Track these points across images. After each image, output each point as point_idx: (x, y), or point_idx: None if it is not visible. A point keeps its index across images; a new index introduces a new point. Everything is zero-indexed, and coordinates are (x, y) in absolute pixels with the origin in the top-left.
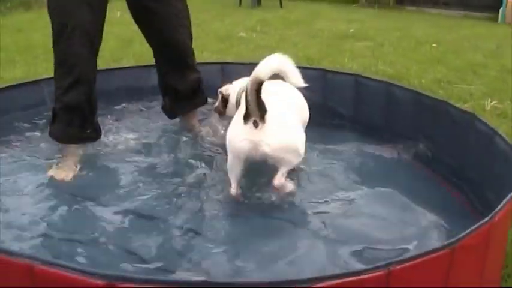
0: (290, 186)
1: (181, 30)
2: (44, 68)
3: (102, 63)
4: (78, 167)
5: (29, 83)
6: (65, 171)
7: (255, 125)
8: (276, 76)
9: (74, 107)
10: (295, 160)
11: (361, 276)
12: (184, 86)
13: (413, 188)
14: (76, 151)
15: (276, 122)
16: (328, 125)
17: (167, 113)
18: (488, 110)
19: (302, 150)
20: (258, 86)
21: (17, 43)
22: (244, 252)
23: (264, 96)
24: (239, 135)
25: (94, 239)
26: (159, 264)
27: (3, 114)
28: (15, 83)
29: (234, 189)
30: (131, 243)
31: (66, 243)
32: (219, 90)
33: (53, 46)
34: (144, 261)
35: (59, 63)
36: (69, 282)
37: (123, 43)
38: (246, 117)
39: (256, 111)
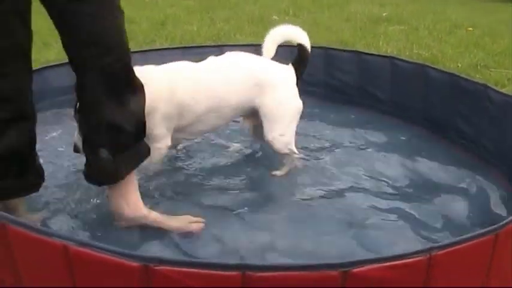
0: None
1: None
2: None
3: (135, 45)
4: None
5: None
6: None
7: None
8: None
9: (9, 154)
10: None
11: (403, 261)
12: None
13: (451, 170)
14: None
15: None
16: (364, 106)
17: None
18: None
19: None
20: None
21: (52, 27)
22: (278, 237)
23: None
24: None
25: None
26: (191, 248)
27: (41, 95)
28: (50, 64)
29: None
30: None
31: (99, 226)
32: None
33: None
34: (176, 245)
35: None
36: (104, 263)
37: (155, 25)
38: None
39: None
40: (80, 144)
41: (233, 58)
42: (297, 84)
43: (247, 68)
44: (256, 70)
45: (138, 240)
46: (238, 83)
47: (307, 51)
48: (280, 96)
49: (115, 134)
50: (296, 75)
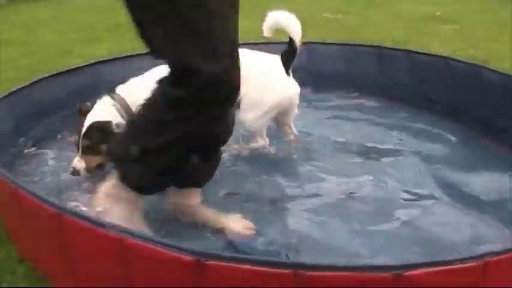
0: None
1: None
2: (130, 46)
3: None
4: None
5: (117, 59)
6: None
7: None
8: None
9: None
10: None
11: (457, 266)
12: None
13: (503, 174)
14: None
15: None
16: (415, 106)
17: None
18: None
19: None
20: None
21: (104, 21)
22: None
23: None
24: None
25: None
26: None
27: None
28: (101, 59)
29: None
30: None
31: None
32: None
33: None
34: (225, 240)
35: None
36: (157, 256)
37: None
38: None
39: None
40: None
41: None
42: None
43: None
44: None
45: (190, 235)
46: None
47: (296, 45)
48: (262, 85)
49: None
50: (284, 67)
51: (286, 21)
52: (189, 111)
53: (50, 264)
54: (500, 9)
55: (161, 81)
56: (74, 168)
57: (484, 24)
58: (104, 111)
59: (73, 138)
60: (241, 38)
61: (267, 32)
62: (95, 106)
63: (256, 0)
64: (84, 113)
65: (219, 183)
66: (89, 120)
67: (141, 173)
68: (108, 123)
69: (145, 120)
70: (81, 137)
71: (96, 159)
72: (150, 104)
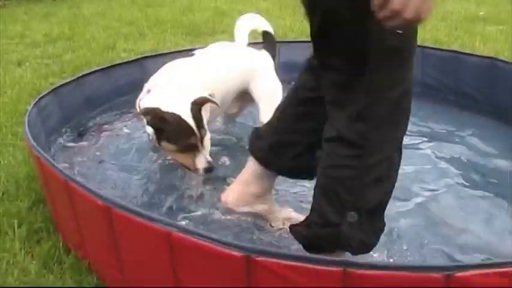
0: None
1: None
2: (173, 42)
3: (227, 37)
4: None
5: (162, 54)
6: None
7: None
8: None
9: None
10: None
11: (508, 268)
12: None
13: None
14: None
15: None
16: (460, 106)
17: None
18: None
19: None
20: None
21: (147, 17)
22: None
23: None
24: None
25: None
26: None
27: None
28: (147, 55)
29: None
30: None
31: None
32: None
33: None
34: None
35: None
36: (206, 251)
37: None
38: None
39: None
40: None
41: (221, 50)
42: None
43: (237, 57)
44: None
45: (236, 232)
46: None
47: (273, 35)
48: (271, 80)
49: None
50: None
51: (256, 21)
52: None
53: (97, 256)
54: None
55: None
56: (209, 163)
57: None
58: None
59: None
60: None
61: (242, 41)
62: None
63: (298, 1)
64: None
65: None
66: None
67: None
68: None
69: None
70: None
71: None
72: None
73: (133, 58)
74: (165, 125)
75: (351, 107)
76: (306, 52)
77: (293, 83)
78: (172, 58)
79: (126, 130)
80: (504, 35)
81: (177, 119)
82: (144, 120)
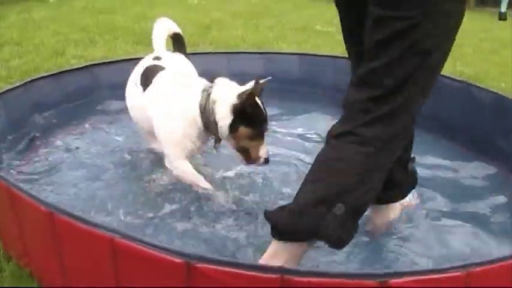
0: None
1: None
2: (124, 50)
3: None
4: None
5: (113, 62)
6: None
7: None
8: None
9: None
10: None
11: (440, 275)
12: None
13: (490, 187)
14: None
15: None
16: None
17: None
18: None
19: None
20: None
21: (98, 24)
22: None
23: None
24: None
25: (161, 220)
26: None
27: (88, 92)
28: (97, 62)
29: None
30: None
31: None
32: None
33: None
34: (218, 245)
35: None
36: (148, 257)
37: (200, 29)
38: None
39: None
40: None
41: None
42: None
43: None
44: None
45: (182, 238)
46: None
47: (182, 36)
48: None
49: None
50: None
51: (169, 24)
52: None
53: (40, 263)
54: (497, 29)
55: None
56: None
57: (478, 42)
58: None
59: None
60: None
61: (161, 48)
62: None
63: (250, 12)
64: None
65: None
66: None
67: None
68: None
69: None
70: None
71: None
72: None
73: (83, 65)
74: (253, 109)
75: None
76: (256, 63)
77: None
78: (122, 67)
79: (73, 137)
80: None
81: (259, 106)
82: (222, 108)
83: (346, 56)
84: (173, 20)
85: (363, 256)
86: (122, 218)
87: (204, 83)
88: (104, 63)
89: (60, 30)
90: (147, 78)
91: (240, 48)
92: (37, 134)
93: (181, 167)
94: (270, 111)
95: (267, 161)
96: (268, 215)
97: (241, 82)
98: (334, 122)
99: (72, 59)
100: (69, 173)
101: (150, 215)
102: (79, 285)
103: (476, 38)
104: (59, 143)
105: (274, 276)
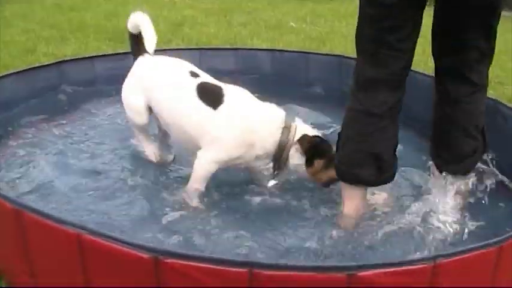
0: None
1: None
2: (95, 47)
3: None
4: None
5: (82, 59)
6: None
7: None
8: None
9: None
10: None
11: (408, 267)
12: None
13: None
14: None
15: None
16: None
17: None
18: None
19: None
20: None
21: (70, 22)
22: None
23: None
24: None
25: (138, 216)
26: (201, 245)
27: (54, 89)
28: (67, 59)
29: None
30: (173, 223)
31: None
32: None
33: None
34: (188, 240)
35: None
36: (115, 253)
37: (173, 26)
38: None
39: None
40: None
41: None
42: None
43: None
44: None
45: (154, 234)
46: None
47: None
48: None
49: None
50: None
51: (140, 20)
52: None
53: (8, 261)
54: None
55: None
56: None
57: None
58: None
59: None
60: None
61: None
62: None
63: (223, 9)
64: None
65: None
66: None
67: None
68: None
69: None
70: None
71: None
72: None
73: (52, 62)
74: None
75: None
76: (229, 59)
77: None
78: (91, 63)
79: (40, 135)
80: (421, 47)
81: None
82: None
83: (319, 52)
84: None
85: (334, 249)
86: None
87: (282, 115)
88: (72, 60)
89: (31, 28)
90: (213, 97)
91: (211, 44)
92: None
93: (208, 169)
94: None
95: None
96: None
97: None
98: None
99: (43, 56)
100: (38, 169)
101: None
102: (47, 283)
103: None
104: (28, 138)
105: (242, 270)
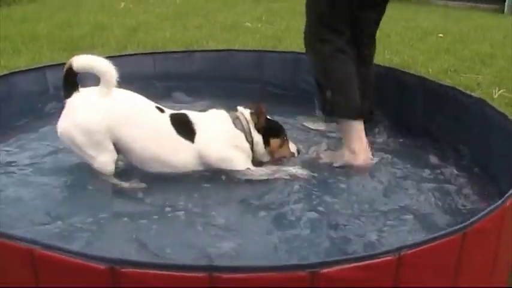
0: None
1: None
2: (49, 57)
3: (107, 51)
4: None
5: (33, 69)
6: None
7: None
8: None
9: None
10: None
11: (371, 261)
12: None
13: (421, 174)
14: None
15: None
16: None
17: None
18: (496, 98)
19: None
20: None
21: (22, 33)
22: (248, 243)
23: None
24: None
25: (97, 226)
26: (161, 251)
27: (7, 101)
28: (18, 70)
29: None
30: (134, 231)
31: (67, 230)
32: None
33: None
34: (146, 249)
35: None
36: (70, 265)
37: (128, 32)
38: None
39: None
40: None
41: None
42: None
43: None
44: None
45: (108, 242)
46: None
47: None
48: None
49: None
50: None
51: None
52: None
53: None
54: (420, 17)
55: None
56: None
57: (403, 31)
58: None
59: None
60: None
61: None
62: None
63: (177, 13)
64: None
65: None
66: None
67: None
68: None
69: None
70: None
71: None
72: None
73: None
74: (277, 126)
75: None
76: (184, 62)
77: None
78: (43, 73)
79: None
80: (377, 40)
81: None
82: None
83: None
84: (100, 24)
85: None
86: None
87: (223, 112)
88: (22, 71)
89: None
90: (186, 128)
91: (167, 49)
92: None
93: (254, 172)
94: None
95: (299, 151)
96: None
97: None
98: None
99: None
100: None
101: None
102: None
103: (400, 27)
104: None
105: (201, 274)
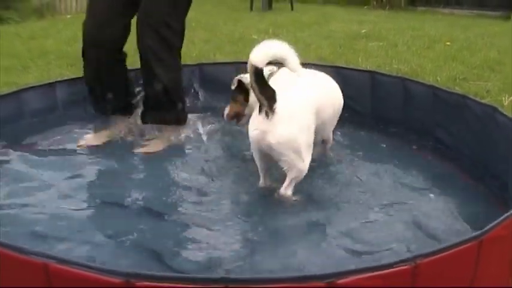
0: (292, 198)
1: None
2: (58, 73)
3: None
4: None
5: (43, 85)
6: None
7: (267, 115)
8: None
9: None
10: (295, 161)
11: (387, 270)
12: (149, 93)
13: (434, 183)
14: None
15: (285, 115)
16: (345, 121)
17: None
18: (506, 105)
19: (303, 152)
20: (256, 75)
21: (30, 50)
22: (262, 250)
23: (285, 86)
24: (252, 125)
25: (110, 239)
26: (176, 263)
27: (18, 117)
28: (28, 86)
29: (261, 182)
30: (147, 242)
31: (83, 244)
32: (236, 78)
33: None
34: (161, 260)
35: None
36: (85, 280)
37: (135, 47)
38: (260, 108)
39: (264, 101)
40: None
41: None
42: None
43: None
44: None
45: (118, 255)
46: None
47: None
48: None
49: None
50: None
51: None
52: None
53: None
54: (427, 26)
55: None
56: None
57: (411, 40)
58: None
59: None
60: None
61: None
62: None
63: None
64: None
65: None
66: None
67: None
68: None
69: None
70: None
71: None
72: None
73: (13, 90)
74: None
75: None
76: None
77: None
78: (51, 89)
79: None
80: (384, 50)
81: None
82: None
83: None
84: None
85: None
86: None
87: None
88: (30, 87)
89: None
90: None
91: None
92: None
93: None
94: None
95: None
96: None
97: None
98: None
99: (4, 86)
100: None
101: None
102: None
103: (406, 36)
104: None
105: (218, 287)
